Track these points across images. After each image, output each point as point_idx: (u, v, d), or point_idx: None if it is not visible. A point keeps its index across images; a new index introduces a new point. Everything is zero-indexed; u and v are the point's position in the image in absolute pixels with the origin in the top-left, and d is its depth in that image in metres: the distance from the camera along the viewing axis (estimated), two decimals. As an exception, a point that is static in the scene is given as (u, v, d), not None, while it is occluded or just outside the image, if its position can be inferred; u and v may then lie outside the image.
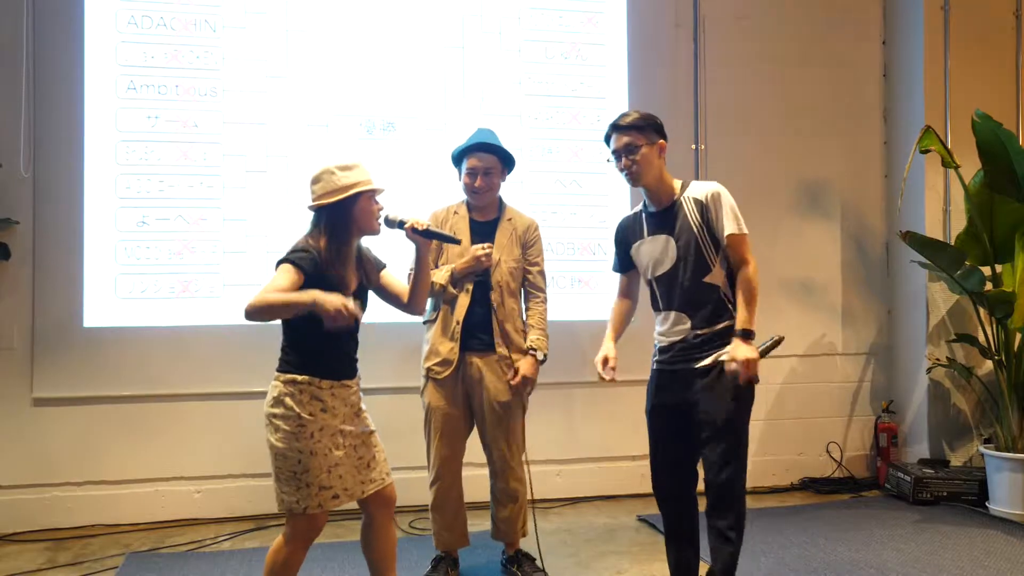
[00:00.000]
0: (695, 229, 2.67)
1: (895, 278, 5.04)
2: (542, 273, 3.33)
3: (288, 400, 2.36)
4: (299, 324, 2.37)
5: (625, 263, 2.89)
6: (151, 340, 4.16)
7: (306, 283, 2.33)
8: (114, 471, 4.14)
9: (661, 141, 2.72)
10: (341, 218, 2.43)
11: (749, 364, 2.56)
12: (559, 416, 4.57)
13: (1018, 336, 4.23)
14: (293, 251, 2.39)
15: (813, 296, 4.98)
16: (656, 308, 2.78)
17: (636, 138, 2.68)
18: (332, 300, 2.23)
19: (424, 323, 3.29)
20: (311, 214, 2.48)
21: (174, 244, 4.23)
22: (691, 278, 2.66)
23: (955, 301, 4.71)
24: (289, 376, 2.39)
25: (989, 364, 4.46)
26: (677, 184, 2.75)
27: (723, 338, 2.65)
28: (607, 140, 2.77)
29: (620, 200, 4.71)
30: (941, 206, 4.78)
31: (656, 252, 2.72)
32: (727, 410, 2.62)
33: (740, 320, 2.62)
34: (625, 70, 4.75)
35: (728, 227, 2.65)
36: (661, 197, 2.74)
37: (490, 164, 3.21)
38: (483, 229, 3.25)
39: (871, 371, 5.06)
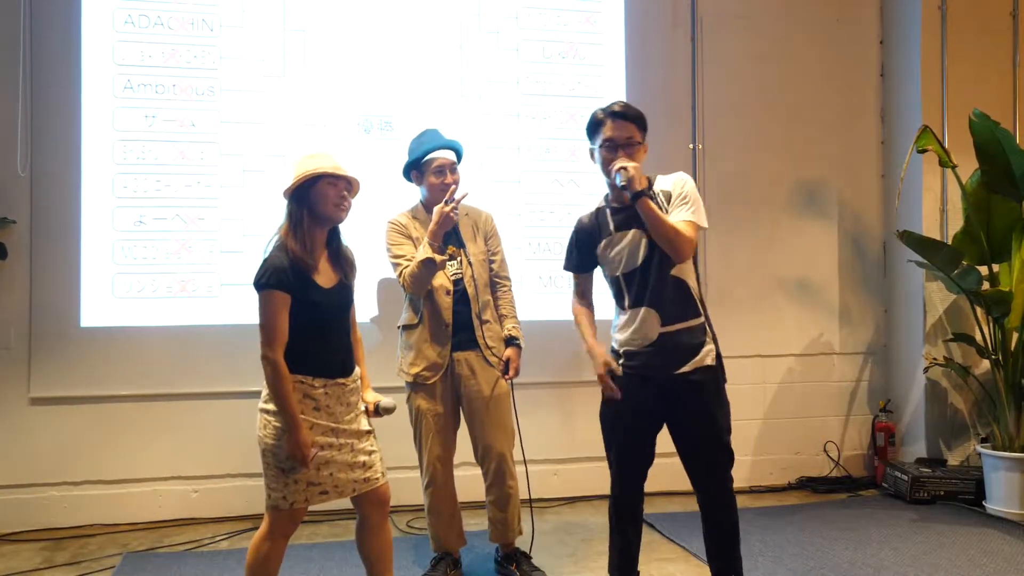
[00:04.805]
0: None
1: (892, 278, 5.04)
2: (504, 261, 3.38)
3: None
4: (290, 326, 2.40)
5: (586, 263, 2.74)
6: (148, 340, 4.16)
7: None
8: (111, 471, 4.13)
9: (646, 143, 2.66)
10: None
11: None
12: (556, 416, 4.57)
13: (1015, 335, 4.23)
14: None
15: (810, 295, 4.98)
16: (621, 307, 2.65)
17: (636, 133, 2.60)
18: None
19: (402, 328, 3.29)
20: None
21: (171, 243, 4.22)
22: (660, 272, 2.56)
23: (952, 300, 4.71)
24: None
25: (986, 363, 4.46)
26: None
27: (694, 338, 2.57)
28: (597, 127, 2.63)
29: (618, 199, 4.71)
30: (938, 206, 4.79)
31: (625, 248, 2.60)
32: (717, 415, 2.61)
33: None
34: (623, 70, 4.75)
35: (677, 215, 2.53)
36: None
37: (455, 160, 3.27)
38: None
39: (868, 370, 5.06)
